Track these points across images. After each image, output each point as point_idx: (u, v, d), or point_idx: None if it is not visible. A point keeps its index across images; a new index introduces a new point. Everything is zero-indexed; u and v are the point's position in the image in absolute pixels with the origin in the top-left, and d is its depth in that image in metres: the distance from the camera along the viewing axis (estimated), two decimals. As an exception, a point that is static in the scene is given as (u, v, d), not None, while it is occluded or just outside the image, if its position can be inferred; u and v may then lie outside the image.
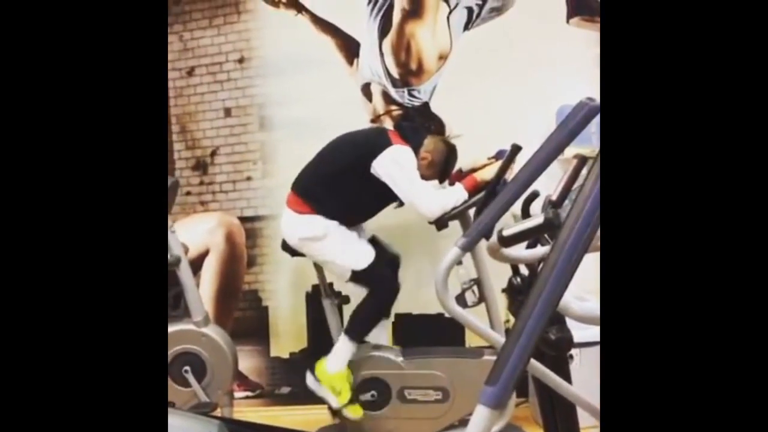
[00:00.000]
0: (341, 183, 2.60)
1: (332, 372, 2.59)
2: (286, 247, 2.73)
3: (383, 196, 2.63)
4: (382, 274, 2.64)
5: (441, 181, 2.71)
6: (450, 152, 2.70)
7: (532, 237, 1.35)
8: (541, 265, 1.17)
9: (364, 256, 2.61)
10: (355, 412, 2.63)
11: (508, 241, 1.20)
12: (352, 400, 2.61)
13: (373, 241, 2.78)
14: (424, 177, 2.63)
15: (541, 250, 1.35)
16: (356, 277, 2.63)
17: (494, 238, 1.27)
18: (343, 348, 2.60)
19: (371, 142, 2.63)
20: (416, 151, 2.63)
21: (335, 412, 2.65)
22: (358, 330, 2.61)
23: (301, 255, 2.72)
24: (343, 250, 2.61)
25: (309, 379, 2.64)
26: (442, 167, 2.68)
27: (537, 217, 1.19)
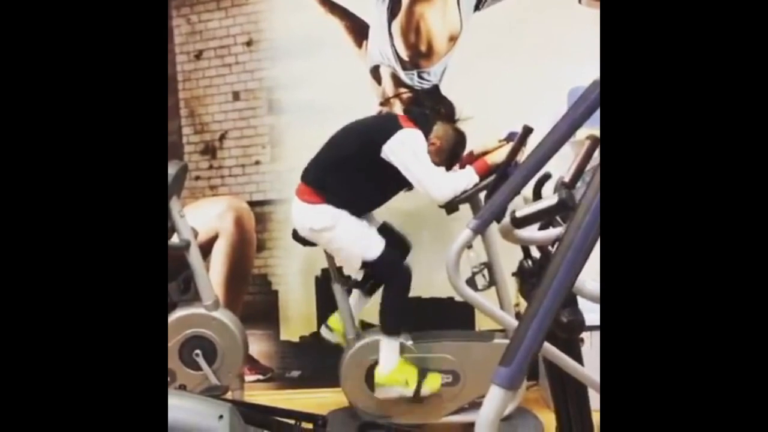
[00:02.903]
0: (351, 170, 2.59)
1: (388, 372, 2.61)
2: (297, 236, 2.73)
3: (393, 182, 2.62)
4: (393, 263, 2.64)
5: (448, 169, 2.69)
6: (459, 140, 2.68)
7: (545, 218, 1.34)
8: (555, 247, 1.16)
9: (374, 246, 2.61)
10: (432, 385, 2.63)
11: (521, 222, 1.19)
12: (423, 375, 2.62)
13: (385, 228, 2.77)
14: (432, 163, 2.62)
15: (554, 232, 1.34)
16: (367, 267, 2.64)
17: (507, 219, 1.26)
18: (388, 348, 2.61)
19: (381, 127, 2.61)
20: (426, 136, 2.61)
21: (416, 398, 2.64)
22: (392, 325, 2.63)
23: (313, 244, 2.72)
24: (354, 240, 2.60)
25: (377, 392, 2.64)
26: (450, 155, 2.67)
27: (551, 198, 1.18)
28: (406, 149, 2.53)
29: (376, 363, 2.67)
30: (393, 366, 2.61)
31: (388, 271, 2.64)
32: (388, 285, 2.65)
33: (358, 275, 2.80)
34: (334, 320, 2.84)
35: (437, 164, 2.64)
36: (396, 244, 2.79)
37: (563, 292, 0.76)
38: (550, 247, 1.51)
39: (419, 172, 2.53)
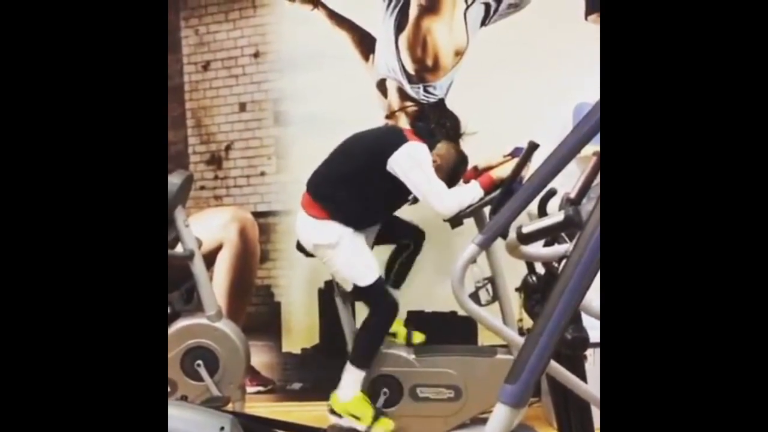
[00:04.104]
0: (356, 182, 2.59)
1: (346, 400, 2.60)
2: (300, 248, 2.73)
3: (398, 195, 2.62)
4: (383, 295, 2.64)
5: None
6: (460, 161, 2.69)
7: (551, 234, 1.34)
8: (563, 263, 1.16)
9: (368, 274, 2.60)
10: (384, 426, 2.62)
11: (527, 239, 1.19)
12: (377, 416, 2.61)
13: (395, 221, 2.79)
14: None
15: (560, 248, 1.33)
16: (358, 291, 2.64)
17: (513, 235, 1.26)
18: (351, 376, 2.61)
19: (387, 140, 2.62)
20: (430, 150, 2.61)
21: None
22: (362, 357, 2.62)
23: (315, 256, 2.72)
24: (351, 263, 2.60)
25: (330, 417, 2.63)
26: (449, 175, 2.66)
27: (557, 215, 1.18)
28: (412, 162, 2.53)
29: (378, 377, 2.66)
30: (350, 397, 2.60)
31: (378, 301, 2.63)
32: (372, 314, 2.64)
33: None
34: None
35: None
36: (408, 233, 2.81)
37: (571, 309, 0.76)
38: (554, 263, 1.51)
39: (424, 185, 2.53)
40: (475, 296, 2.55)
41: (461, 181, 2.72)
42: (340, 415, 2.60)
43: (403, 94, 3.16)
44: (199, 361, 2.74)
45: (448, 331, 3.11)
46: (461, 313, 2.90)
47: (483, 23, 3.11)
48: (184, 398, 2.72)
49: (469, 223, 2.65)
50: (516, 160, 2.51)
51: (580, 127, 1.27)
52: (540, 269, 1.66)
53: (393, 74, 3.17)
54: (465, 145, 2.79)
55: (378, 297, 2.63)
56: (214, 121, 3.32)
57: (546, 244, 1.54)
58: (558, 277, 0.80)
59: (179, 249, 2.75)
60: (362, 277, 2.59)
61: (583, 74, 2.90)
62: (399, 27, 3.14)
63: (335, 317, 2.83)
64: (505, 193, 2.45)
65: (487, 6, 3.10)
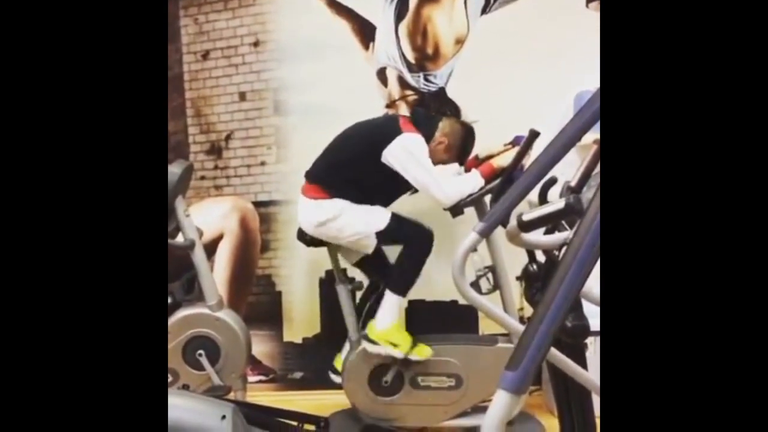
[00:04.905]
0: (355, 173, 2.58)
1: (384, 328, 2.57)
2: (301, 237, 2.73)
3: (397, 185, 2.61)
4: (410, 225, 2.62)
5: (461, 164, 2.69)
6: (467, 134, 2.67)
7: (552, 222, 1.34)
8: (563, 251, 1.16)
9: (382, 215, 2.60)
10: (422, 353, 2.61)
11: (527, 226, 1.19)
12: (415, 343, 2.60)
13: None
14: (442, 161, 2.62)
15: (560, 236, 1.33)
16: (384, 238, 2.61)
17: (513, 222, 1.26)
18: (390, 303, 2.59)
19: (381, 131, 2.60)
20: (429, 137, 2.60)
21: (404, 362, 2.62)
22: (401, 283, 2.60)
23: (316, 245, 2.72)
24: (360, 219, 2.58)
25: (365, 345, 2.62)
26: (460, 150, 2.66)
27: (558, 203, 1.17)
28: (406, 154, 2.52)
29: (379, 366, 2.66)
30: (389, 324, 2.58)
31: (408, 231, 2.61)
32: (407, 244, 2.60)
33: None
34: (339, 361, 2.82)
35: (448, 161, 2.64)
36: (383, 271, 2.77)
37: (571, 297, 0.76)
38: (555, 252, 1.51)
39: (422, 176, 2.52)
40: (475, 285, 2.55)
41: (462, 168, 2.72)
42: (376, 343, 2.59)
43: (403, 83, 3.15)
44: (201, 351, 2.75)
45: (449, 320, 3.12)
46: (462, 302, 2.91)
47: (484, 11, 3.09)
48: (185, 387, 2.73)
49: (470, 212, 2.65)
50: (517, 149, 2.50)
51: (580, 115, 1.26)
52: (541, 257, 1.67)
53: (393, 63, 3.15)
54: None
55: (404, 229, 2.61)
56: (214, 110, 3.31)
57: (547, 232, 1.54)
58: (558, 265, 0.80)
59: (180, 239, 2.75)
60: (379, 221, 2.58)
61: (584, 62, 2.89)
62: (399, 15, 3.13)
63: (336, 306, 2.84)
64: (506, 182, 2.45)
65: (488, -7, 3.08)
